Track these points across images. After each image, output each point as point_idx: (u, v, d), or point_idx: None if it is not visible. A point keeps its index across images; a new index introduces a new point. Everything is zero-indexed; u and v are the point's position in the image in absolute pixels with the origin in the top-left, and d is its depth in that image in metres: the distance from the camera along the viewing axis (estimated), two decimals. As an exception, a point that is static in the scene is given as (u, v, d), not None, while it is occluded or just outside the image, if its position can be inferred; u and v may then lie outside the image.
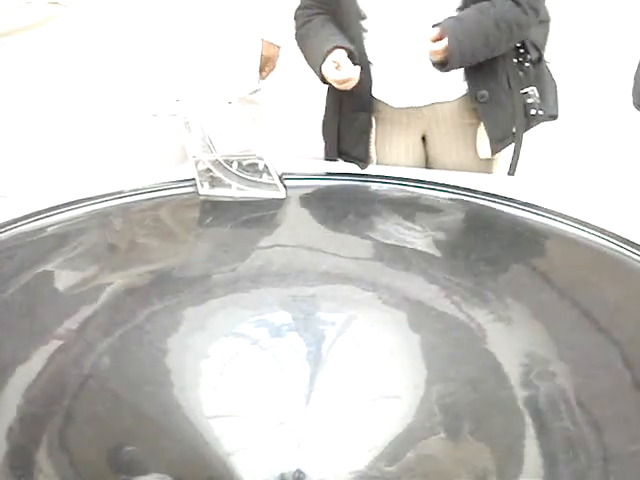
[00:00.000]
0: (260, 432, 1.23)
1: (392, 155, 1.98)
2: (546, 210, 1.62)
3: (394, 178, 1.80)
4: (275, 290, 1.49)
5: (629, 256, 1.48)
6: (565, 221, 1.58)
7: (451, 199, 1.70)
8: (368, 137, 1.93)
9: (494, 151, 1.93)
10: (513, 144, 1.93)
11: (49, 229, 1.67)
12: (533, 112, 1.91)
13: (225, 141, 1.75)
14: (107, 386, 1.26)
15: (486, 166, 1.98)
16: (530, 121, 1.93)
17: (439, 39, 1.75)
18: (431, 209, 1.72)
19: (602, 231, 1.54)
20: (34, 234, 1.63)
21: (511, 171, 1.95)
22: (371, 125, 1.94)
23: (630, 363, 1.30)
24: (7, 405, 1.22)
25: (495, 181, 1.80)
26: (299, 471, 1.19)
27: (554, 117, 1.97)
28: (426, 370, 1.30)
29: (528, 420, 1.20)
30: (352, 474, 1.17)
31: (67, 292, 1.48)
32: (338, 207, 1.74)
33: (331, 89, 1.92)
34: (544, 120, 1.95)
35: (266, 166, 1.73)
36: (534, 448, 1.17)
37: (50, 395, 1.24)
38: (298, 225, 1.74)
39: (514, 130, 1.92)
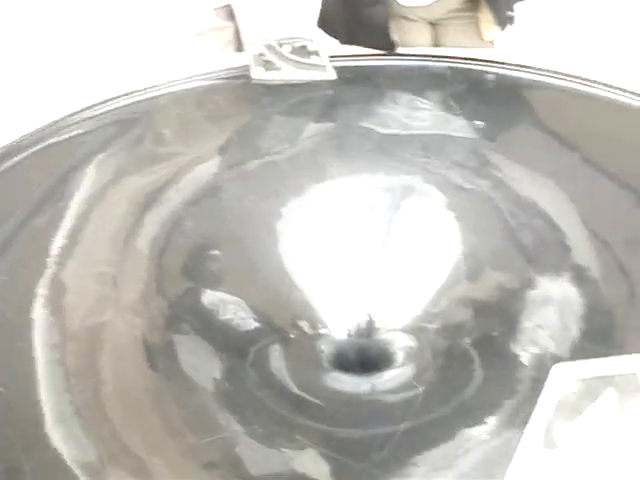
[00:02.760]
0: (337, 283, 1.36)
1: (411, 42, 2.05)
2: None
3: (435, 56, 1.87)
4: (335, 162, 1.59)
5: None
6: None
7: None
8: (388, 27, 1.95)
9: (502, 31, 2.05)
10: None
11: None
12: None
13: (277, 25, 1.82)
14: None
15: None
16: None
17: None
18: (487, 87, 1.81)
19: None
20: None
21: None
22: (389, 16, 1.97)
23: None
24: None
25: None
26: (370, 316, 1.33)
27: None
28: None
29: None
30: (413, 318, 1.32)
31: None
32: (386, 86, 1.82)
33: None
34: None
35: (316, 48, 1.81)
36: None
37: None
38: (348, 104, 1.82)
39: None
